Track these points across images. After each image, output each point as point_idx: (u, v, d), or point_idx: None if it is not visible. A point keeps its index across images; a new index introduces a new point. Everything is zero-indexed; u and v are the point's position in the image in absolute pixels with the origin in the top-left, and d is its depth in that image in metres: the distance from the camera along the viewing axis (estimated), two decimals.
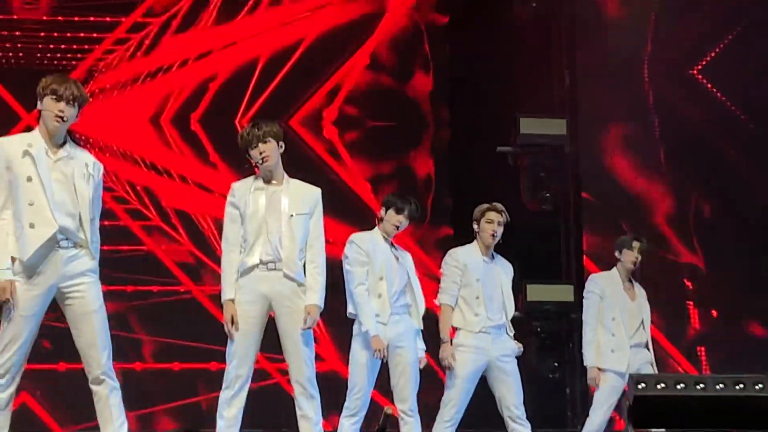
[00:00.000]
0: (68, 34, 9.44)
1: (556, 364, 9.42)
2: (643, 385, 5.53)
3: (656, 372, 7.66)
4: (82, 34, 9.46)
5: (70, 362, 8.74)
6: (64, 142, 5.53)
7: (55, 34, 9.39)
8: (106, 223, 5.82)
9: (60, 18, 9.44)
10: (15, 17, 9.40)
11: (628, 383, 5.88)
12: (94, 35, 9.49)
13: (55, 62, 9.41)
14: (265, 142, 5.99)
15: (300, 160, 8.54)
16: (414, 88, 10.09)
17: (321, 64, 9.90)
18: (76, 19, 9.47)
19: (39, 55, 9.37)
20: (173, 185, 9.65)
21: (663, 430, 6.10)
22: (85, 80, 9.13)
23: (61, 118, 5.44)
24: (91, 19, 9.47)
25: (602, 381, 7.59)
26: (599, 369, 7.59)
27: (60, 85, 5.44)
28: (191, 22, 9.69)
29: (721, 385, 5.52)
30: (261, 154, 5.99)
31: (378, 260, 6.74)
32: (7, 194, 5.40)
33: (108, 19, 9.54)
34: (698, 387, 5.52)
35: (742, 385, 5.54)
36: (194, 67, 9.69)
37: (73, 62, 9.45)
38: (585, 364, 7.68)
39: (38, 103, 5.49)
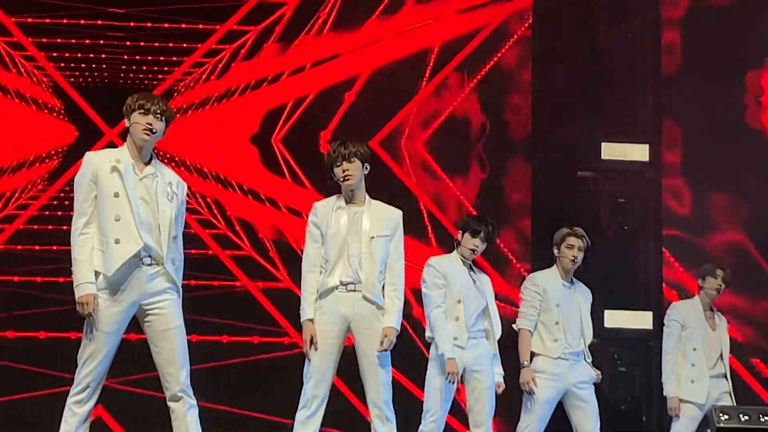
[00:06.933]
0: (149, 57, 9.55)
1: (632, 392, 9.31)
2: (726, 417, 5.45)
3: (734, 403, 7.54)
4: (162, 57, 9.57)
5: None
6: (150, 160, 5.58)
7: (137, 57, 9.51)
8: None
9: (142, 43, 9.55)
10: (101, 42, 9.53)
11: (711, 415, 5.78)
12: (174, 58, 9.59)
13: (137, 82, 9.53)
14: (350, 162, 5.99)
15: (383, 181, 8.52)
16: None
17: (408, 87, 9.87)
18: (156, 44, 9.57)
19: (122, 75, 9.49)
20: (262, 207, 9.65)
21: None
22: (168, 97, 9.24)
23: (150, 130, 5.48)
24: (170, 44, 9.57)
25: (681, 412, 7.50)
26: (679, 400, 7.51)
27: (148, 101, 5.50)
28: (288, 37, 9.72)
29: None
30: (344, 172, 5.98)
31: (455, 283, 6.70)
32: (93, 208, 5.44)
33: (185, 45, 9.62)
34: None
35: None
36: (286, 83, 9.73)
37: (155, 82, 9.55)
38: (665, 394, 7.59)
39: (126, 119, 5.55)
